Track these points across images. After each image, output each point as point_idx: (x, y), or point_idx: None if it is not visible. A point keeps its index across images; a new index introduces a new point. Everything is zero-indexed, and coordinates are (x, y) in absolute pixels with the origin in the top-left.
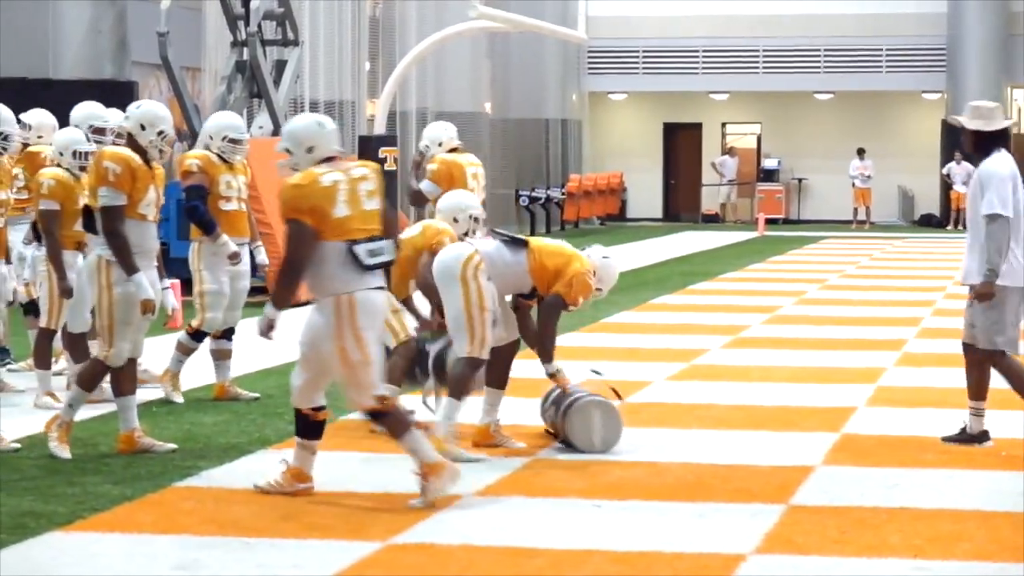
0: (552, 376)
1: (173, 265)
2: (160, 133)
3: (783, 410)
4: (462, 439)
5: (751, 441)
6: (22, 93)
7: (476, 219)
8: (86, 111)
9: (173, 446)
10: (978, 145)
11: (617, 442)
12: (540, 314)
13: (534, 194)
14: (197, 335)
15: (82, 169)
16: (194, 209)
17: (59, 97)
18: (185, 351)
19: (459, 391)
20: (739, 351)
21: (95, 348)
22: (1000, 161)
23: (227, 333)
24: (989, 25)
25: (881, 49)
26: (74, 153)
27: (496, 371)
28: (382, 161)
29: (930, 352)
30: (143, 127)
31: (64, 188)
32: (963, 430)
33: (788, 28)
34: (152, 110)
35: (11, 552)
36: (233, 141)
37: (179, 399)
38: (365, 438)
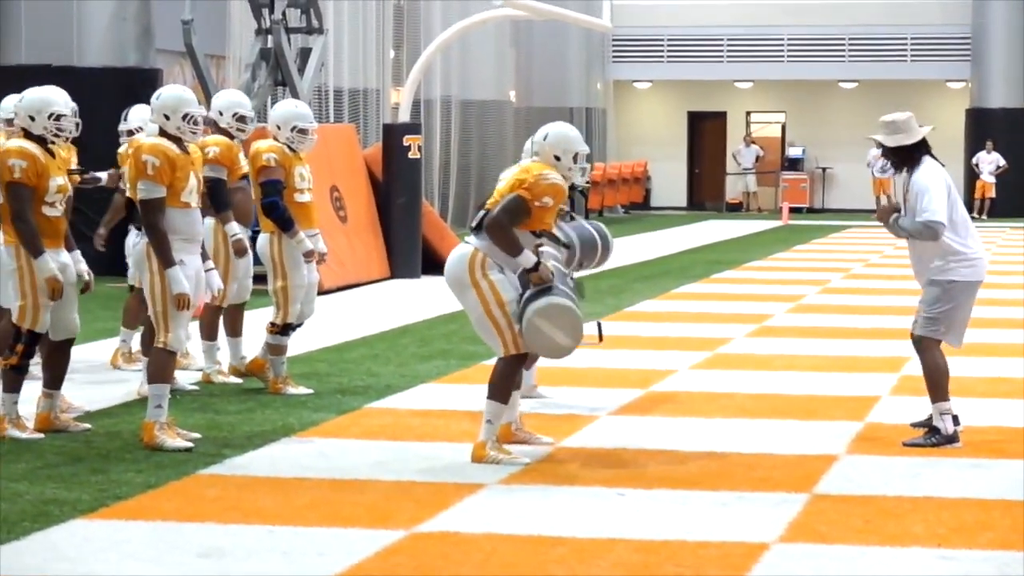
0: (531, 271)
1: None
2: (186, 117)
3: (807, 399)
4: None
5: (775, 430)
6: (47, 80)
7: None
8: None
9: (190, 444)
10: (903, 159)
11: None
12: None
13: None
14: (285, 330)
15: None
16: (273, 206)
17: (83, 85)
18: (279, 351)
19: (501, 394)
20: (763, 340)
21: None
22: (931, 171)
23: (286, 328)
24: (1014, 13)
25: (906, 38)
26: (295, 128)
27: None
28: (407, 149)
29: None
30: (167, 116)
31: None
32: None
33: (813, 16)
34: (172, 95)
35: (35, 539)
36: (302, 131)
37: (304, 390)
38: (387, 427)
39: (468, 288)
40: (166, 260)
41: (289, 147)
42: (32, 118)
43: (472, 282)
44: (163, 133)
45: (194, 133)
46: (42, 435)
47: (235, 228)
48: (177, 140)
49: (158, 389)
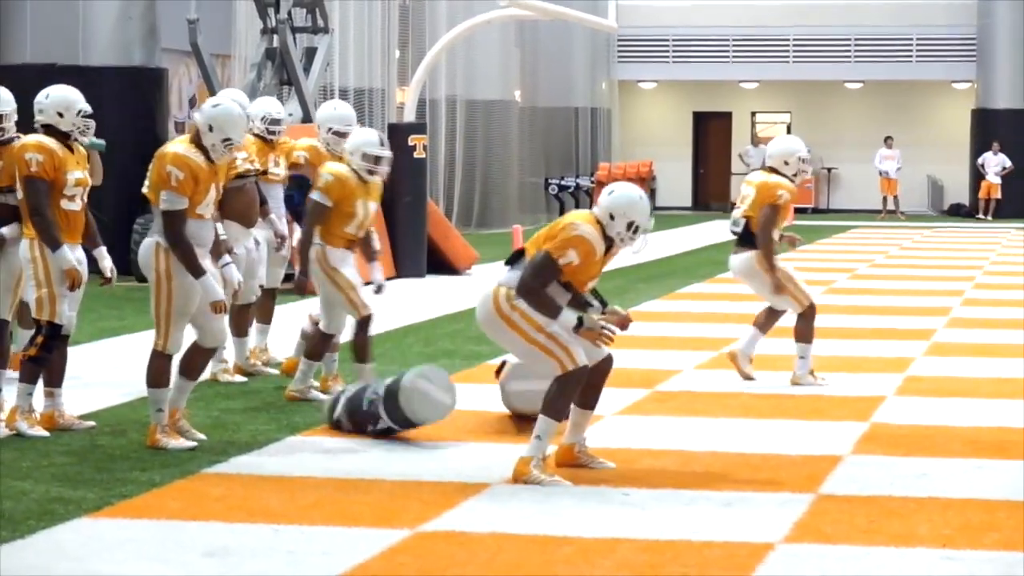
0: (584, 329)
1: None
2: (226, 140)
3: (812, 399)
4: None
5: (780, 430)
6: (52, 79)
7: (804, 160)
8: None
9: (193, 444)
10: None
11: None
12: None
13: (563, 182)
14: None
15: (370, 173)
16: (289, 199)
17: (88, 84)
18: (332, 349)
19: (556, 411)
20: (768, 340)
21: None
22: None
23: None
24: (1020, 14)
25: (911, 38)
26: (364, 155)
27: (584, 390)
28: (412, 149)
29: (959, 342)
30: (211, 128)
31: (342, 186)
32: None
33: (818, 17)
34: (225, 113)
35: (40, 538)
36: (338, 134)
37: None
38: None
39: (501, 325)
40: (195, 271)
41: (326, 147)
42: (61, 114)
43: (502, 317)
44: (196, 139)
45: (83, 132)
46: (47, 433)
47: (219, 228)
48: (205, 151)
49: (156, 393)
